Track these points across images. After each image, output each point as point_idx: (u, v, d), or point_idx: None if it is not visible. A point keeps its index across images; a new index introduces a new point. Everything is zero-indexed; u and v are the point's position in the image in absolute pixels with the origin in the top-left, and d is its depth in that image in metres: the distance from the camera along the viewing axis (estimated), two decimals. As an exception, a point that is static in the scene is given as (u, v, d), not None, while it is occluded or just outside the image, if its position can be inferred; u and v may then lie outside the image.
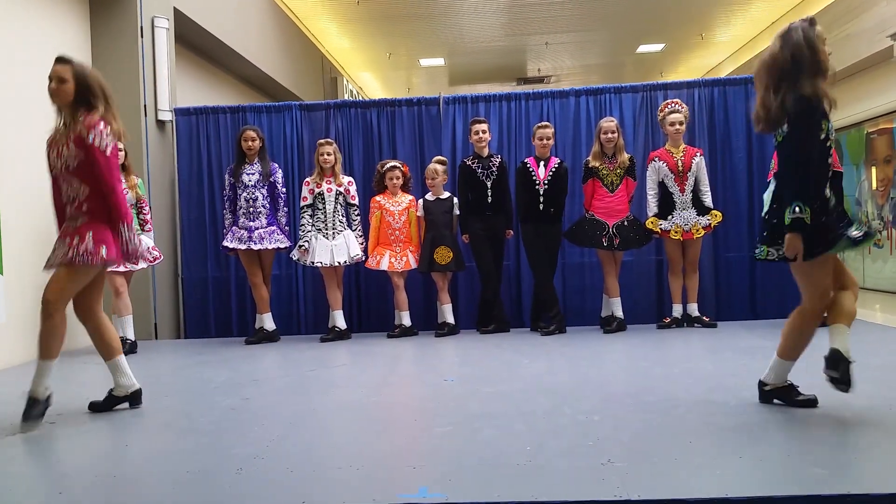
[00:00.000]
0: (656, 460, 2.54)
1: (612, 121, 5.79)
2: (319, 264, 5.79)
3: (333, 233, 5.84)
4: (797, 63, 2.92)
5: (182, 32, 7.30)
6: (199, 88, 8.24)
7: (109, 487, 2.52)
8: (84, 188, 3.40)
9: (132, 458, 2.88)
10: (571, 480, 2.35)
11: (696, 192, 5.74)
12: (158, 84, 6.54)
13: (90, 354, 5.58)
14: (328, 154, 5.82)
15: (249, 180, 5.82)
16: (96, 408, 3.60)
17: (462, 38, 12.57)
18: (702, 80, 6.59)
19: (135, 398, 3.65)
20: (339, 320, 5.91)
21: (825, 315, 3.15)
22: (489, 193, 5.89)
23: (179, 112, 6.72)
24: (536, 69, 14.99)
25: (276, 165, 6.02)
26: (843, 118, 10.24)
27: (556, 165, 5.86)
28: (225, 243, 5.87)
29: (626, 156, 5.75)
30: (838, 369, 2.99)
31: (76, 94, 3.39)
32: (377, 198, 6.02)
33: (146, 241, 5.69)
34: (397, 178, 5.93)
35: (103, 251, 3.35)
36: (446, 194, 5.98)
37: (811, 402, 3.14)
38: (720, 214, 5.74)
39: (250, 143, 5.84)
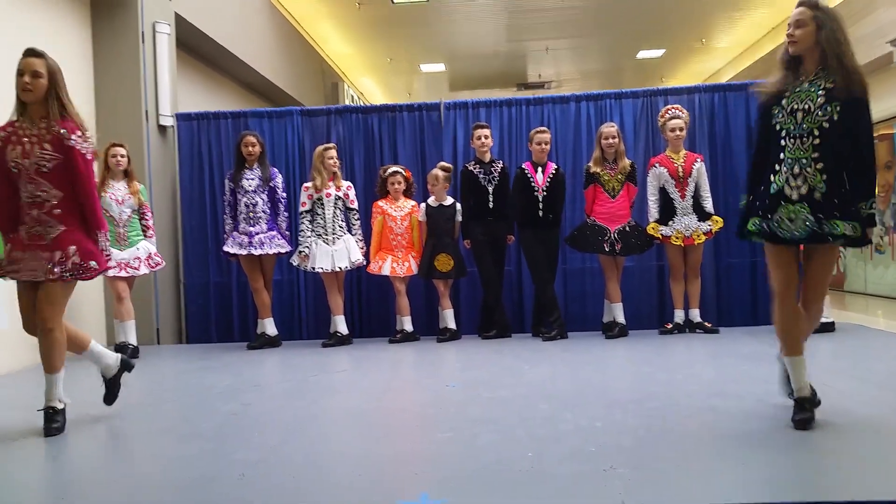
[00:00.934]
0: (659, 467, 2.54)
1: (613, 126, 5.80)
2: (320, 270, 5.79)
3: (333, 238, 5.85)
4: None
5: (183, 37, 7.32)
6: (201, 93, 8.26)
7: (112, 493, 2.52)
8: (56, 192, 3.24)
9: (135, 463, 2.88)
10: (573, 487, 2.35)
11: (696, 197, 5.74)
12: (160, 89, 6.56)
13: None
14: (336, 158, 5.84)
15: (250, 185, 5.84)
16: (110, 398, 3.62)
17: (463, 43, 12.60)
18: (702, 86, 6.60)
19: (126, 363, 3.66)
20: (340, 325, 5.91)
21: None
22: (491, 199, 5.90)
23: (181, 117, 6.73)
24: (537, 74, 15.02)
25: (276, 170, 6.03)
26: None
27: (554, 171, 5.87)
28: (226, 248, 5.88)
29: (626, 161, 5.75)
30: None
31: (48, 89, 3.24)
32: (379, 203, 6.03)
33: (149, 247, 5.70)
34: (399, 184, 5.94)
35: (93, 265, 3.31)
36: (449, 200, 5.98)
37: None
38: (721, 220, 5.75)
39: (250, 148, 5.85)
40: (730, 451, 2.67)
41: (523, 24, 11.65)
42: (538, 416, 3.27)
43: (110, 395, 3.63)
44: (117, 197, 5.56)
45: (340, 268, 5.82)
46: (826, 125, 2.88)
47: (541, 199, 5.79)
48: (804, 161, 2.90)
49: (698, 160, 5.78)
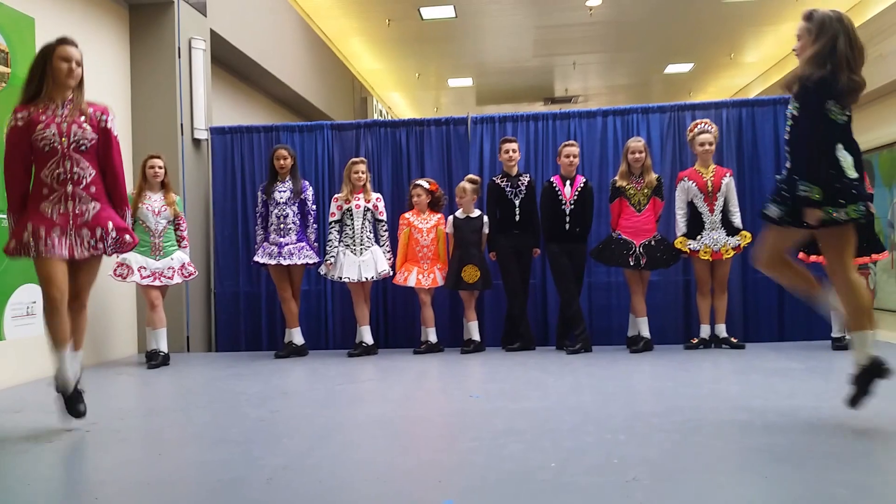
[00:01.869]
0: (681, 479, 2.55)
1: (640, 141, 5.82)
2: (347, 279, 5.88)
3: (361, 248, 5.93)
4: None
5: (218, 53, 7.51)
6: (234, 108, 8.44)
7: (143, 494, 2.59)
8: (92, 170, 3.42)
9: (165, 466, 2.96)
10: (595, 497, 2.37)
11: (725, 212, 5.73)
12: (195, 103, 6.73)
13: (124, 366, 5.73)
14: (362, 172, 5.94)
15: (281, 197, 5.95)
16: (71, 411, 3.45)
17: (490, 58, 12.70)
18: (730, 101, 6.61)
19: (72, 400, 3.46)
20: (366, 336, 5.98)
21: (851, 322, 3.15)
22: (517, 212, 5.94)
23: (215, 131, 6.89)
24: (564, 89, 15.06)
25: (307, 183, 6.15)
26: (875, 138, 10.12)
27: (582, 185, 5.90)
28: (256, 258, 6.00)
29: (653, 175, 5.76)
30: None
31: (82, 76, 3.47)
32: (406, 215, 6.11)
33: (182, 256, 5.83)
34: (419, 196, 6.02)
35: (128, 239, 3.51)
36: (477, 212, 6.04)
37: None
38: (749, 235, 5.72)
39: (282, 161, 5.98)
40: (753, 465, 2.67)
41: (551, 40, 11.71)
42: (562, 428, 3.29)
43: (71, 405, 3.43)
44: (154, 208, 5.68)
45: (367, 278, 5.90)
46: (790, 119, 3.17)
47: (568, 213, 5.83)
48: (787, 149, 3.19)
49: (728, 175, 5.77)
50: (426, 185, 6.08)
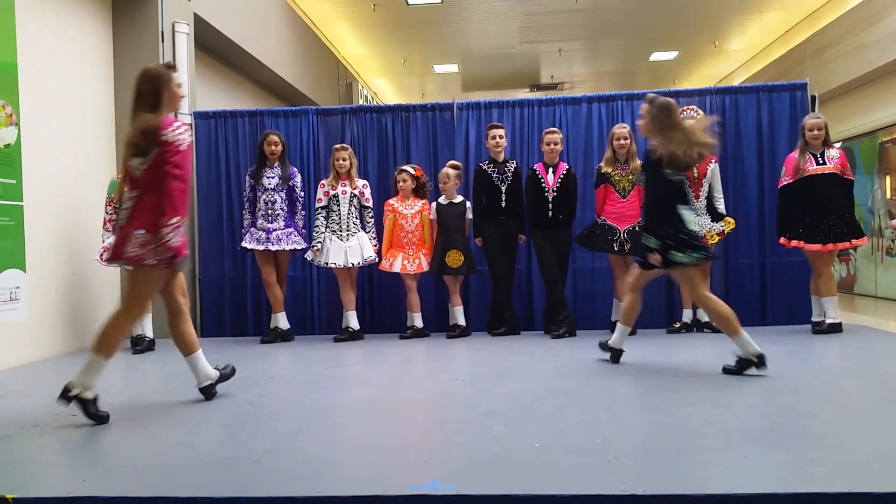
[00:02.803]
0: (662, 458, 2.61)
1: (625, 127, 5.86)
2: (333, 265, 5.89)
3: (347, 234, 5.94)
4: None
5: (202, 37, 7.44)
6: (218, 92, 8.38)
7: (132, 475, 2.61)
8: None
9: (153, 448, 2.97)
10: (578, 476, 2.42)
11: (709, 198, 5.79)
12: (179, 88, 6.66)
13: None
14: (343, 159, 5.93)
15: (269, 183, 5.94)
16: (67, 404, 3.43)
17: (476, 44, 12.68)
18: (713, 88, 6.65)
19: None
20: (352, 321, 6.00)
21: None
22: (503, 198, 5.97)
23: (199, 115, 6.85)
24: (549, 76, 15.07)
25: (296, 169, 6.15)
26: (855, 127, 10.25)
27: (565, 172, 5.93)
28: (244, 244, 5.99)
29: (638, 162, 5.80)
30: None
31: None
32: (391, 201, 6.12)
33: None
34: (404, 182, 6.03)
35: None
36: (459, 198, 6.07)
37: None
38: (733, 221, 5.79)
39: (273, 147, 5.96)
40: (732, 445, 2.73)
41: (537, 26, 11.71)
42: (545, 410, 3.34)
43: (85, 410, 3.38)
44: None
45: (353, 264, 5.91)
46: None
47: (550, 200, 5.86)
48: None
49: (712, 161, 5.81)
50: (412, 171, 6.09)
